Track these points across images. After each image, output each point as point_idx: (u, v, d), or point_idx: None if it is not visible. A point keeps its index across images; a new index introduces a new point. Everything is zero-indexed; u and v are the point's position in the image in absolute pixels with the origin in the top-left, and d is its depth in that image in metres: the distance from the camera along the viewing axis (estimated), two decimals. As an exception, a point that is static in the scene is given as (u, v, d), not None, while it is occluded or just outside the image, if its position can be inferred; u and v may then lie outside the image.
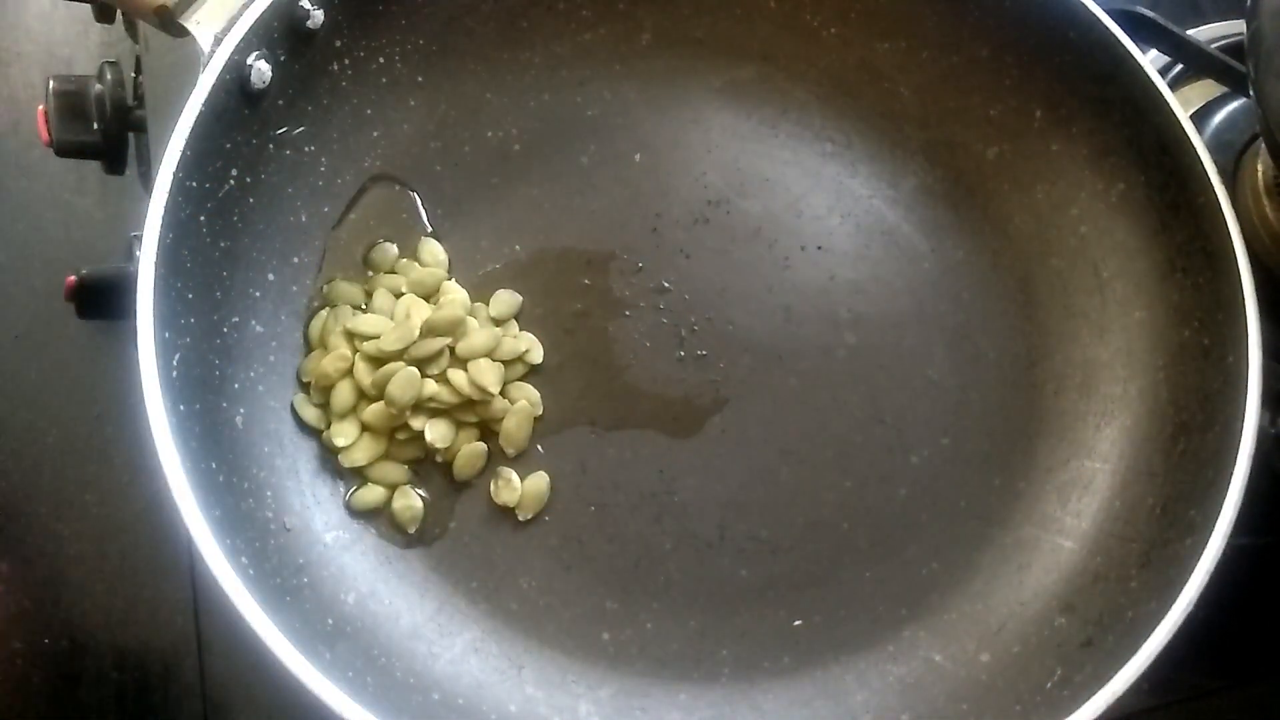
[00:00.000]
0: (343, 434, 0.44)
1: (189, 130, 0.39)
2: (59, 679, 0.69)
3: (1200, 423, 0.44)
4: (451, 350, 0.45)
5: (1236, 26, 0.52)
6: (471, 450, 0.45)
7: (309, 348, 0.45)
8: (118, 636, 0.69)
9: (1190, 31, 0.52)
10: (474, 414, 0.45)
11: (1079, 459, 0.47)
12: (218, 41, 0.42)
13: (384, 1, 0.47)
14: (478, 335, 0.46)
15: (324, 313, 0.46)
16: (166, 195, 0.38)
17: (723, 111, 0.52)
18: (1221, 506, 0.41)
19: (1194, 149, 0.46)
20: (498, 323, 0.47)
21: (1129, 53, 0.47)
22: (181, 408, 0.38)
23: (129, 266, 0.50)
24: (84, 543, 0.71)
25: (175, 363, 0.38)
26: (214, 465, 0.39)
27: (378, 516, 0.44)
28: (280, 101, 0.44)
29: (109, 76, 0.54)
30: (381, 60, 0.48)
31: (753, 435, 0.47)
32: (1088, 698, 0.39)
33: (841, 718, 0.43)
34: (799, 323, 0.49)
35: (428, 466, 0.45)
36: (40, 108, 0.54)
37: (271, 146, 0.44)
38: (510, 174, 0.50)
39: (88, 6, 0.55)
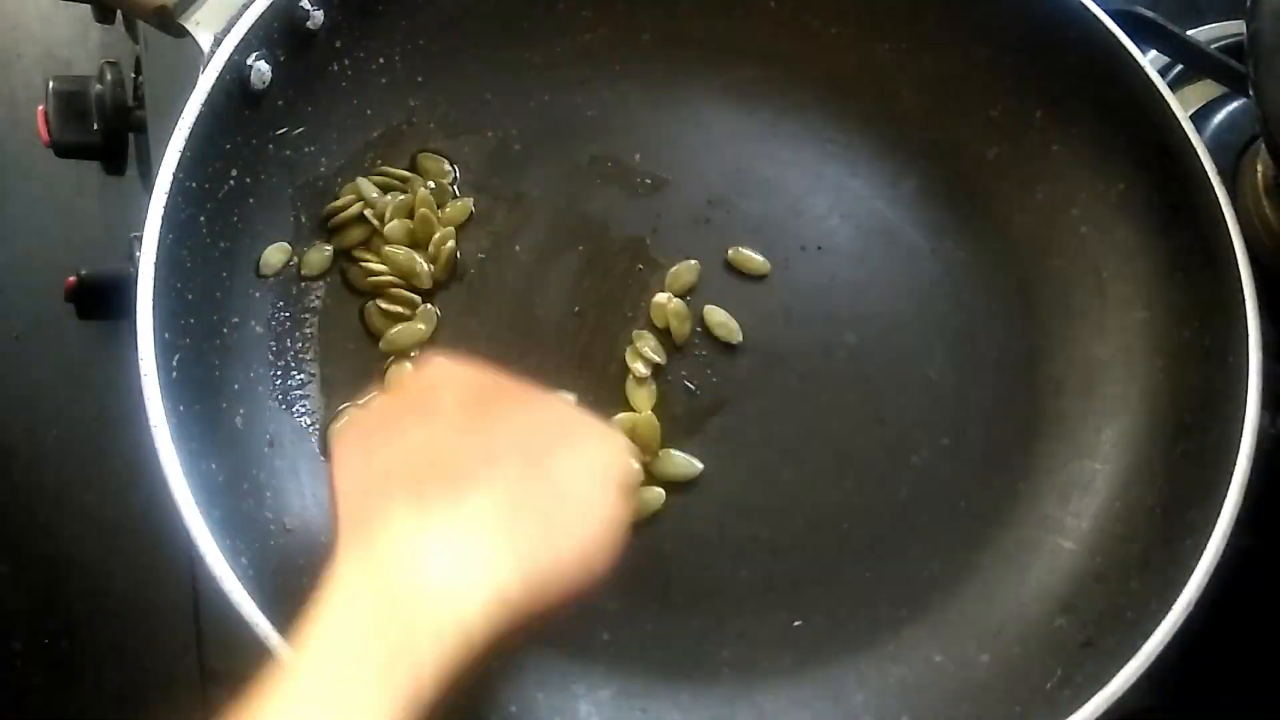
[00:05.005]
0: None
1: (189, 130, 0.39)
2: (59, 679, 0.69)
3: (1200, 423, 0.44)
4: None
5: (1236, 26, 0.52)
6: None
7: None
8: (118, 636, 0.69)
9: (1190, 31, 0.52)
10: None
11: (1079, 459, 0.47)
12: (218, 42, 0.42)
13: (384, 1, 0.47)
14: None
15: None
16: (166, 195, 0.39)
17: (723, 111, 0.52)
18: (1221, 507, 0.41)
19: (1194, 149, 0.46)
20: None
21: (1129, 53, 0.47)
22: (181, 408, 0.38)
23: (129, 266, 0.50)
24: (84, 543, 0.71)
25: (175, 363, 0.38)
26: (214, 466, 0.39)
27: (378, 517, 0.44)
28: (280, 102, 0.44)
29: (109, 76, 0.54)
30: (381, 60, 0.48)
31: (753, 435, 0.47)
32: (1088, 698, 0.39)
33: (841, 718, 0.43)
34: (799, 323, 0.49)
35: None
36: (40, 108, 0.54)
37: (271, 146, 0.44)
38: (510, 174, 0.50)
39: (88, 6, 0.55)
